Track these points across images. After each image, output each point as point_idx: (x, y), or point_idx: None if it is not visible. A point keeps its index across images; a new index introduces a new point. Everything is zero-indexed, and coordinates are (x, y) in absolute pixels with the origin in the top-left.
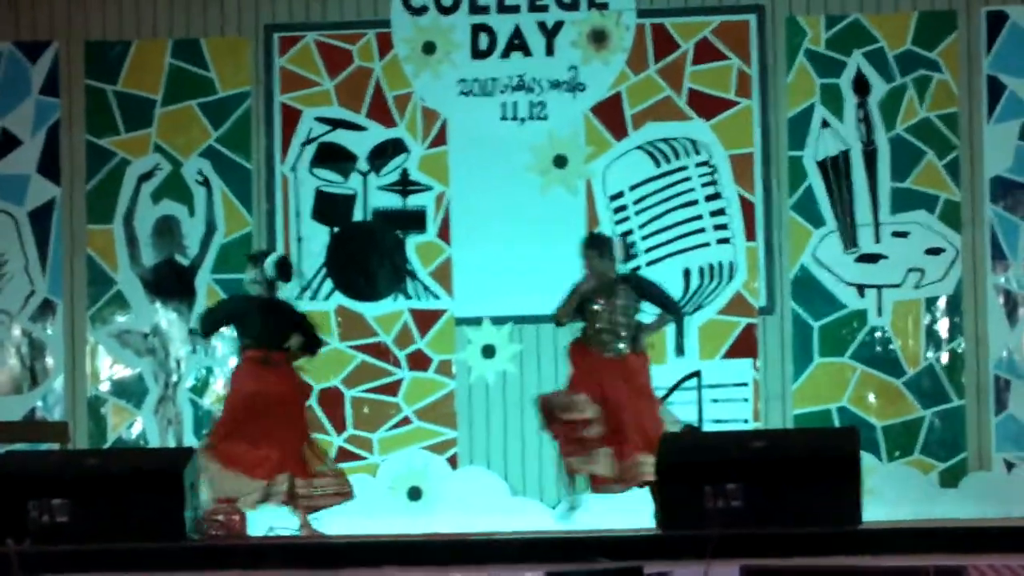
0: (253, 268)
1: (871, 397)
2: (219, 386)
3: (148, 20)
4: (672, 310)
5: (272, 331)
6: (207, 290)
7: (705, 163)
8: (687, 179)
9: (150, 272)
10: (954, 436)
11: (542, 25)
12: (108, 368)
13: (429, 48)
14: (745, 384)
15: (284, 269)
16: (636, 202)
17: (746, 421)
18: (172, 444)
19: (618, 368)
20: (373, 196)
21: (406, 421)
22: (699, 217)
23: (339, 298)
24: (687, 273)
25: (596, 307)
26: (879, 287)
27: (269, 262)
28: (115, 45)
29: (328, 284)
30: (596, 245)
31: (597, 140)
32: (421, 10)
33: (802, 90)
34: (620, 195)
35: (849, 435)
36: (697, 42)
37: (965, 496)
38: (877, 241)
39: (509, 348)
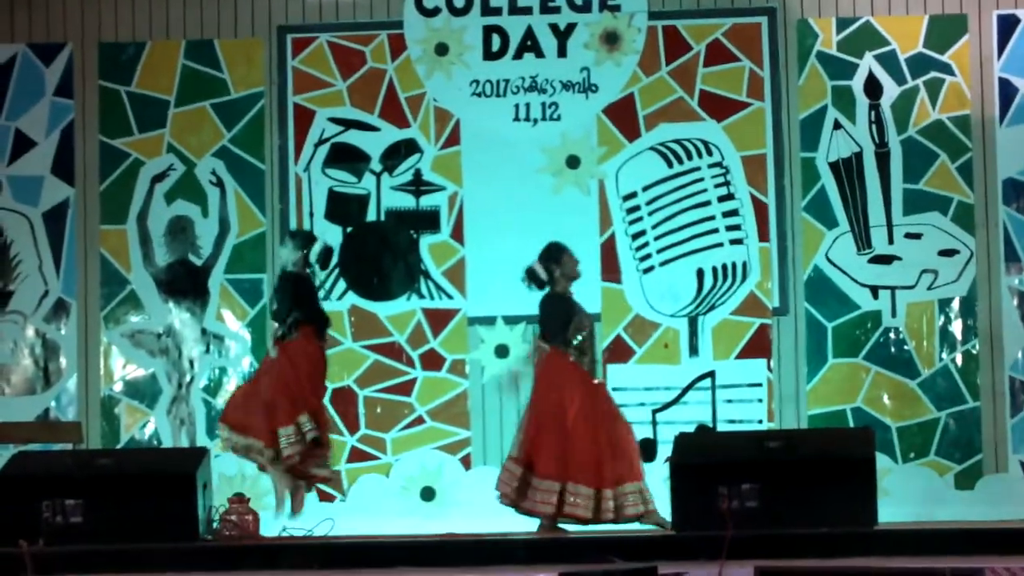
0: (297, 248)
1: (885, 398)
2: (231, 385)
3: (161, 22)
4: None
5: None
6: (220, 290)
7: (718, 164)
8: (700, 180)
9: (163, 272)
10: (969, 438)
11: (554, 27)
12: (121, 368)
13: (442, 49)
14: (759, 384)
15: (327, 259)
16: (649, 202)
17: (760, 421)
18: (185, 444)
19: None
20: (386, 196)
21: (419, 421)
22: (712, 218)
23: (352, 298)
24: (700, 273)
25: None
26: (893, 288)
27: (317, 250)
28: (128, 47)
29: (341, 284)
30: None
31: (610, 141)
32: (433, 12)
33: (814, 92)
34: (633, 195)
35: (864, 436)
36: (709, 44)
37: (981, 498)
38: (891, 242)
39: (522, 347)
